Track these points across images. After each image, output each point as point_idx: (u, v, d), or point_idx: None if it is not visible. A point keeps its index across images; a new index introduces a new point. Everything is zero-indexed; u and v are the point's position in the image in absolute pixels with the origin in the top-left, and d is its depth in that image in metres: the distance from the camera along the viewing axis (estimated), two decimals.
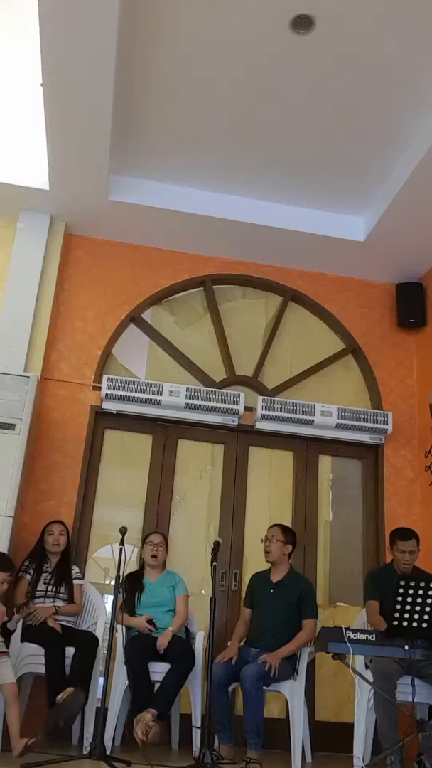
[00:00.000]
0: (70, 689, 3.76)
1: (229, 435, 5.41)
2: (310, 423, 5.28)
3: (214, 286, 5.75)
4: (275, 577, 4.38)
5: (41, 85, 4.10)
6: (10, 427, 4.48)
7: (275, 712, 4.66)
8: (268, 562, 4.44)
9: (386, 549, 4.57)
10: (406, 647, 3.31)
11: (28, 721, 3.89)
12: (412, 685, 3.46)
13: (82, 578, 4.56)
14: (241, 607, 4.70)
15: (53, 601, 4.29)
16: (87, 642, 4.08)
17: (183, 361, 5.53)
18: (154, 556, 4.51)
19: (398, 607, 3.33)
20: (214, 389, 5.32)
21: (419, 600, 3.32)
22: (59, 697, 3.73)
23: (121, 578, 4.00)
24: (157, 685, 4.02)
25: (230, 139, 4.77)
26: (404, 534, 4.25)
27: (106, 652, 4.09)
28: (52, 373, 5.20)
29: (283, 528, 4.47)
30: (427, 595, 3.32)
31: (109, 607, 4.30)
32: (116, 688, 4.05)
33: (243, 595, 4.72)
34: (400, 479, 5.40)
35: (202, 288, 5.75)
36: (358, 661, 3.96)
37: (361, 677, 3.71)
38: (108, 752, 3.59)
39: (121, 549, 3.90)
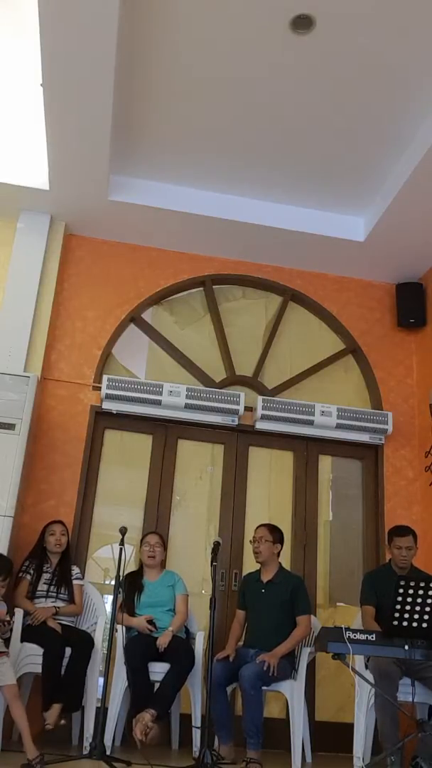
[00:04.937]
0: (56, 707, 3.81)
1: (229, 435, 5.41)
2: (310, 423, 5.28)
3: (214, 286, 5.75)
4: (266, 577, 4.38)
5: (41, 85, 4.10)
6: (10, 427, 4.48)
7: (275, 712, 4.66)
8: (258, 562, 4.44)
9: (386, 549, 4.57)
10: (406, 647, 3.31)
11: (28, 721, 3.87)
12: (412, 685, 3.46)
13: (83, 578, 4.56)
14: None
15: (54, 601, 4.29)
16: (82, 642, 4.09)
17: (183, 361, 5.53)
18: (151, 557, 4.50)
19: (398, 607, 3.33)
20: (214, 389, 5.32)
21: (419, 600, 3.32)
22: (47, 718, 3.79)
23: (120, 578, 3.99)
24: (156, 685, 4.01)
25: (230, 139, 4.77)
26: (401, 530, 4.26)
27: (106, 652, 4.09)
28: (52, 373, 5.20)
29: (271, 528, 4.47)
30: (427, 595, 3.32)
31: (109, 607, 4.30)
32: (116, 688, 4.05)
33: None
34: (400, 479, 5.40)
35: (202, 288, 5.75)
36: (358, 661, 3.96)
37: (361, 677, 3.71)
38: (108, 752, 3.60)
39: (121, 549, 3.90)
